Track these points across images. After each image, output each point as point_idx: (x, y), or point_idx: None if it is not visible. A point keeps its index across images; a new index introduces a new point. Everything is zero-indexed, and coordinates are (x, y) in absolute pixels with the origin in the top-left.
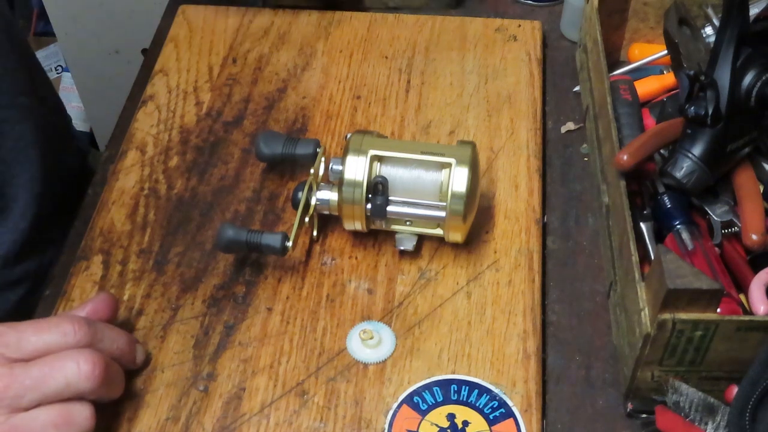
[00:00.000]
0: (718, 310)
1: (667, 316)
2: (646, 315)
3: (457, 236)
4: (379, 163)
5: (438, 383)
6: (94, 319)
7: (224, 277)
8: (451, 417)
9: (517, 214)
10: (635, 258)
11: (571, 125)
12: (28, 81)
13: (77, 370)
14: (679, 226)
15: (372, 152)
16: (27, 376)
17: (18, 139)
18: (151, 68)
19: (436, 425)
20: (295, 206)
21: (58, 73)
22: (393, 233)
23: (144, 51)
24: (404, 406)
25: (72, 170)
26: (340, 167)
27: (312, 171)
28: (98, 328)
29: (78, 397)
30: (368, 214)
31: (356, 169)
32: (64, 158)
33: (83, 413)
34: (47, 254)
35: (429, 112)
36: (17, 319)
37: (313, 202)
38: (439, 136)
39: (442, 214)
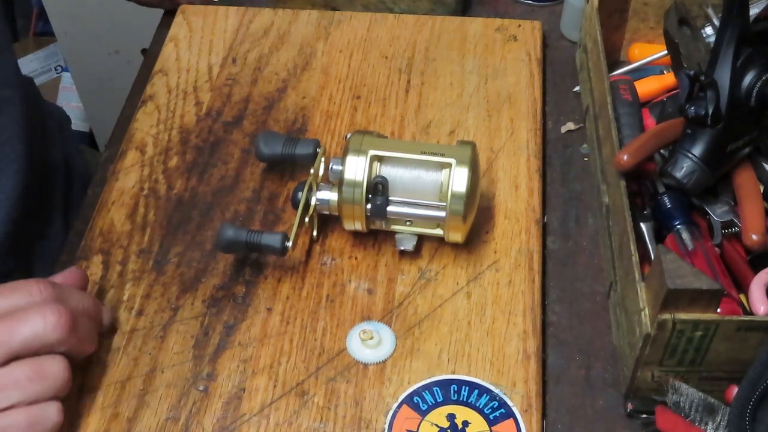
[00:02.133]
0: (718, 310)
1: (667, 316)
2: (646, 315)
3: (457, 236)
4: (379, 163)
5: (438, 383)
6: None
7: (224, 277)
8: (451, 417)
9: (517, 214)
10: (635, 258)
11: (571, 125)
12: (11, 73)
13: (43, 321)
14: (679, 226)
15: (372, 152)
16: None
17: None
18: (150, 68)
19: (436, 425)
20: (295, 206)
21: (57, 73)
22: (393, 233)
23: (144, 51)
24: (404, 406)
25: (57, 165)
26: (340, 167)
27: (312, 171)
28: (64, 289)
29: (49, 351)
30: (368, 214)
31: (356, 169)
32: (50, 152)
33: (56, 365)
34: (35, 250)
35: (429, 112)
36: None
37: (313, 202)
38: (439, 136)
39: (442, 214)
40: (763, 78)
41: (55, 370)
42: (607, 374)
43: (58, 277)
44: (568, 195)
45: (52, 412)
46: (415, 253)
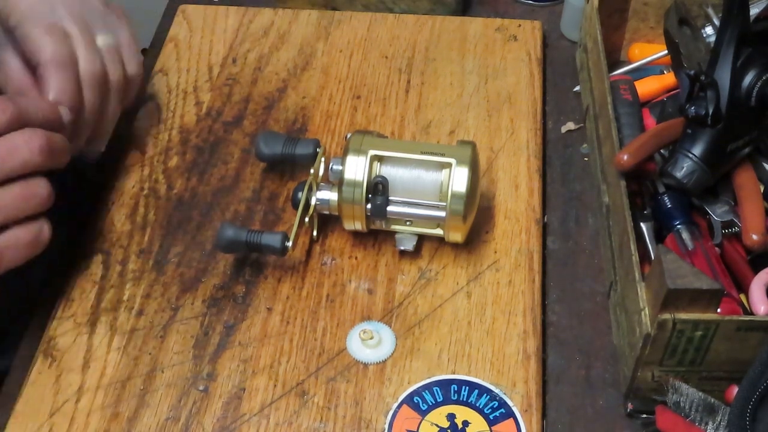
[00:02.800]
0: (719, 310)
1: (667, 316)
2: (646, 315)
3: (457, 236)
4: (379, 163)
5: (438, 383)
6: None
7: (224, 277)
8: (451, 417)
9: (517, 214)
10: (635, 258)
11: (571, 125)
12: None
13: (28, 149)
14: (679, 226)
15: (372, 152)
16: None
17: None
18: (151, 68)
19: (436, 425)
20: (295, 206)
21: None
22: (393, 233)
23: (144, 51)
24: (404, 406)
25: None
26: (340, 167)
27: (312, 171)
28: (20, 102)
29: (32, 173)
30: (368, 214)
31: (356, 169)
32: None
33: (41, 185)
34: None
35: (429, 112)
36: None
37: (313, 202)
38: (439, 136)
39: (442, 214)
40: (763, 78)
41: (40, 188)
42: (607, 374)
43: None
44: (568, 195)
45: (45, 228)
46: (415, 253)
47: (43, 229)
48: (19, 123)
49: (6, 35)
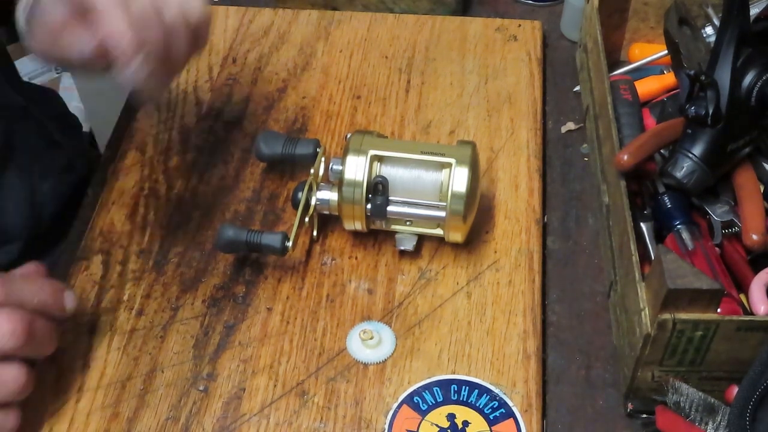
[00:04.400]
0: (719, 310)
1: (667, 316)
2: (646, 315)
3: (457, 236)
4: (379, 163)
5: (438, 383)
6: (10, 276)
7: (224, 277)
8: (451, 417)
9: (517, 214)
10: (635, 258)
11: (571, 125)
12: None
13: (1, 331)
14: (679, 226)
15: (372, 152)
16: None
17: None
18: None
19: (437, 425)
20: (295, 206)
21: (57, 74)
22: (393, 233)
23: None
24: (404, 406)
25: (63, 192)
26: (340, 167)
27: (312, 171)
28: (14, 284)
29: (5, 358)
30: (368, 214)
31: (356, 169)
32: (56, 185)
33: (12, 373)
34: None
35: (429, 112)
36: None
37: (313, 202)
38: (439, 136)
39: (442, 214)
40: (763, 78)
41: (11, 377)
42: (607, 374)
43: (16, 272)
44: (568, 195)
45: (10, 419)
46: (415, 253)
47: (5, 423)
48: (4, 303)
49: None
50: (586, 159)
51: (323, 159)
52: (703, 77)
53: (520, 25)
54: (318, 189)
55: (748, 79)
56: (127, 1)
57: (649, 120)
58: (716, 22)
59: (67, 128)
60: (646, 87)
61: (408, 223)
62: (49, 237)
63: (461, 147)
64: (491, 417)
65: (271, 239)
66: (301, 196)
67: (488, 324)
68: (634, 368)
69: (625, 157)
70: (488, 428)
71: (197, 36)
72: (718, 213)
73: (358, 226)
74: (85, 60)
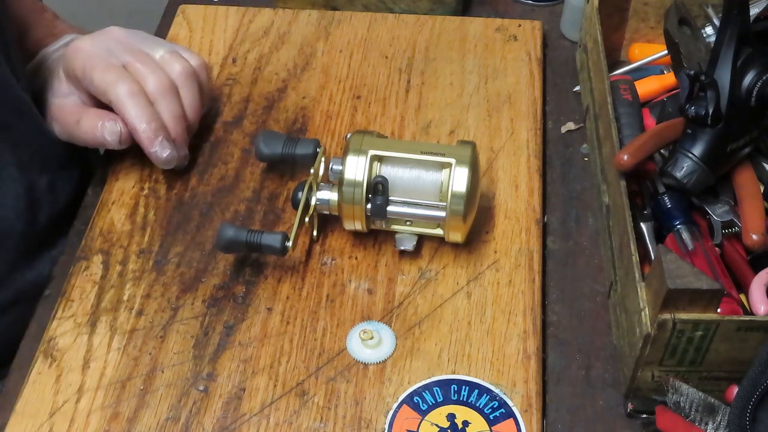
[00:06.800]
0: (719, 310)
1: (667, 316)
2: (646, 315)
3: (457, 236)
4: (379, 163)
5: (438, 383)
6: None
7: (224, 277)
8: (451, 417)
9: (517, 214)
10: (635, 258)
11: (571, 125)
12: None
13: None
14: (679, 226)
15: (372, 152)
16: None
17: None
18: None
19: (437, 425)
20: (295, 206)
21: None
22: (393, 233)
23: None
24: (404, 406)
25: (61, 188)
26: (340, 167)
27: (312, 171)
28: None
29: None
30: (368, 214)
31: (356, 169)
32: (55, 181)
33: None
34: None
35: (429, 112)
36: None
37: (313, 202)
38: (439, 136)
39: (442, 214)
40: (763, 78)
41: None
42: (607, 374)
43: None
44: (568, 195)
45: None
46: (415, 253)
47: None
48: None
49: (73, 84)
50: (586, 159)
51: (323, 159)
52: (703, 77)
53: (520, 25)
54: (318, 189)
55: (748, 79)
56: (139, 83)
57: (649, 120)
58: (716, 22)
59: None
60: (646, 87)
61: (408, 223)
62: (47, 235)
63: (461, 147)
64: (491, 417)
65: (271, 239)
66: (301, 196)
67: (488, 324)
68: (634, 368)
69: (625, 157)
70: (488, 428)
71: (201, 86)
72: (718, 213)
73: (358, 226)
74: (113, 146)
